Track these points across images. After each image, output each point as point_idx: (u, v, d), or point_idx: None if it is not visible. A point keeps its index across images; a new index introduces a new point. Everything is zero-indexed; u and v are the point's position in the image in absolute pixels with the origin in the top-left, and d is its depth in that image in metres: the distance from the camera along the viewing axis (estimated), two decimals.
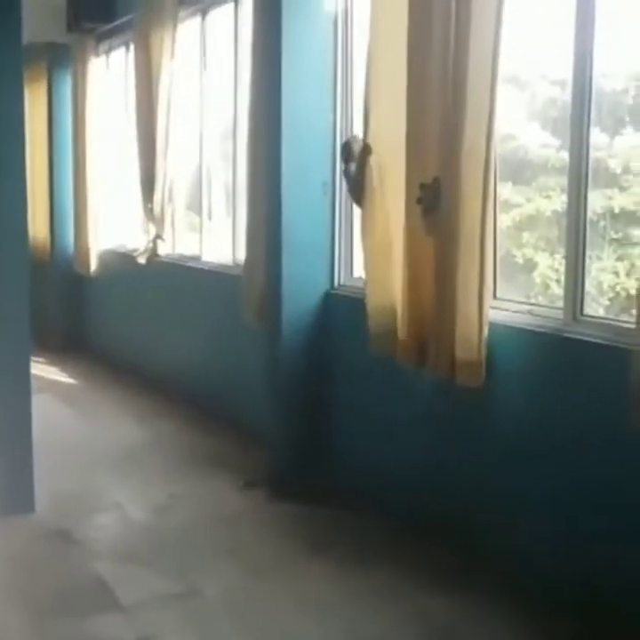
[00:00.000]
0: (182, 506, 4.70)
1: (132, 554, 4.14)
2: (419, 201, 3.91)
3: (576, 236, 3.54)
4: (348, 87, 4.91)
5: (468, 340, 3.67)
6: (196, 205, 6.89)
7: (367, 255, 4.33)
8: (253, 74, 5.20)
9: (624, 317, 3.68)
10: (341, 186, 4.92)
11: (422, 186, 3.89)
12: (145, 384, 7.06)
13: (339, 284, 4.96)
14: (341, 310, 4.85)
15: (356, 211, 4.93)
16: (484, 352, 3.66)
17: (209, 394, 6.24)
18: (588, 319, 3.51)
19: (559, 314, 3.61)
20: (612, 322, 3.53)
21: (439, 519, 4.10)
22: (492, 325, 3.70)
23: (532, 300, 4.29)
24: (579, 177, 3.51)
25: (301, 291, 4.89)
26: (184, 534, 4.34)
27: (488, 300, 3.68)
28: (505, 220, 4.51)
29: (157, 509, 4.65)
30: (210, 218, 6.72)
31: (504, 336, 3.70)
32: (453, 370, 3.73)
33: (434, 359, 3.82)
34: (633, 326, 3.03)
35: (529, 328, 3.67)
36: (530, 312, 3.75)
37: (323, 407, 4.92)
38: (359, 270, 4.89)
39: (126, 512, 4.63)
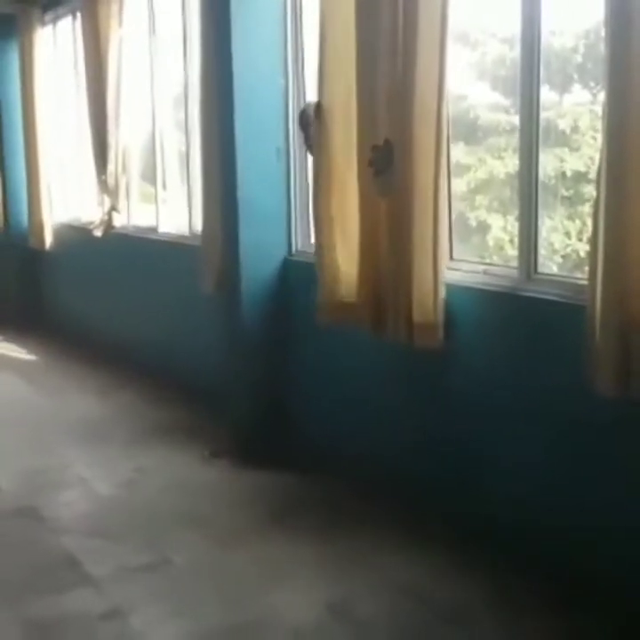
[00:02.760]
0: (148, 478, 4.70)
1: (100, 528, 4.14)
2: (370, 163, 3.90)
3: (529, 195, 3.54)
4: (299, 51, 4.85)
5: (425, 301, 3.68)
6: (150, 175, 6.80)
7: (320, 220, 4.29)
8: (203, 39, 5.11)
9: (577, 274, 3.71)
10: (296, 152, 4.90)
11: (374, 148, 3.87)
12: (105, 358, 7.01)
13: (296, 251, 4.95)
14: (299, 276, 4.84)
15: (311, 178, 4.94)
16: (441, 313, 3.68)
17: (169, 365, 6.22)
18: (542, 277, 3.54)
19: (514, 273, 3.63)
20: (565, 279, 3.56)
21: (403, 482, 4.14)
22: (449, 286, 3.71)
23: (487, 261, 4.32)
24: (530, 137, 3.51)
25: (259, 258, 4.87)
26: (151, 506, 4.34)
27: (444, 262, 3.69)
28: (459, 184, 4.51)
29: (123, 483, 4.65)
30: (164, 187, 6.64)
31: (460, 296, 3.72)
32: (411, 332, 3.74)
33: (391, 322, 3.83)
34: (585, 282, 3.06)
35: (485, 288, 3.69)
36: (485, 272, 3.77)
37: (284, 374, 4.93)
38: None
39: (92, 487, 4.61)
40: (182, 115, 6.05)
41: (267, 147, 4.86)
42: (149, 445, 5.20)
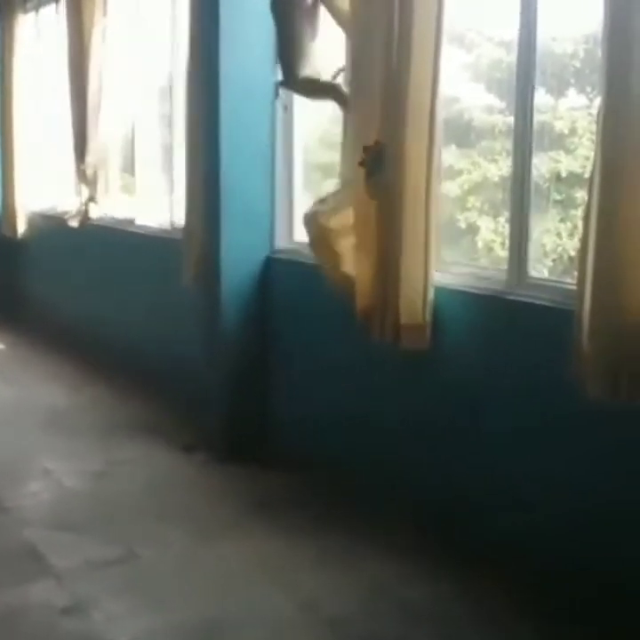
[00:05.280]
0: (119, 472, 4.61)
1: (66, 521, 4.04)
2: (361, 163, 3.87)
3: (520, 198, 3.53)
4: None
5: (414, 303, 3.65)
6: (130, 166, 6.71)
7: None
8: (191, 31, 5.05)
9: (567, 279, 3.71)
10: (282, 150, 4.86)
11: (365, 148, 3.85)
12: (79, 350, 6.88)
13: (279, 248, 4.90)
14: (281, 274, 4.79)
15: (296, 174, 4.90)
16: (429, 315, 3.66)
17: (146, 359, 6.11)
18: (532, 281, 3.53)
19: (504, 276, 3.62)
20: (555, 284, 3.55)
21: (383, 479, 4.10)
22: (438, 289, 3.69)
23: (477, 264, 4.31)
24: (523, 140, 3.51)
25: (241, 255, 4.81)
26: (121, 500, 4.25)
27: (433, 264, 3.67)
28: (452, 187, 4.51)
29: (93, 476, 4.55)
30: (145, 180, 6.55)
31: (449, 299, 3.69)
32: (398, 334, 3.71)
33: (379, 323, 3.80)
34: (575, 288, 3.05)
35: (474, 291, 3.67)
36: (475, 275, 3.75)
37: (263, 371, 4.87)
38: (299, 234, 4.85)
39: (60, 479, 4.51)
40: (167, 106, 5.98)
41: (253, 143, 4.81)
42: (122, 439, 5.10)
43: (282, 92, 4.51)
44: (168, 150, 5.99)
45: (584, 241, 2.96)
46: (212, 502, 4.25)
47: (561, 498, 3.31)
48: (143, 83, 6.43)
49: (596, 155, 2.92)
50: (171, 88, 5.87)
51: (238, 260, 4.82)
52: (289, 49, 4.20)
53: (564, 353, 3.01)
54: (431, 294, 3.66)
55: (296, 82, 4.24)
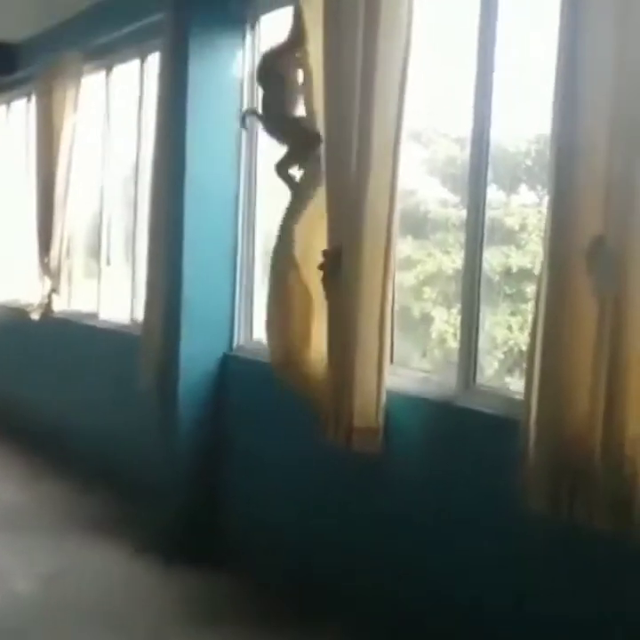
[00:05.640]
0: (69, 575, 4.48)
1: (12, 628, 3.90)
2: (320, 267, 3.92)
3: (471, 290, 3.56)
4: (253, 151, 4.92)
5: (366, 407, 3.65)
6: (95, 254, 6.72)
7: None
8: (158, 132, 5.14)
9: (516, 375, 3.71)
10: (244, 249, 4.92)
11: (324, 252, 3.91)
12: (34, 444, 6.74)
13: (237, 346, 4.91)
14: (239, 373, 4.80)
15: (256, 274, 4.95)
16: (381, 419, 3.66)
17: (103, 456, 6.02)
18: (480, 388, 3.55)
19: (452, 381, 3.63)
20: (502, 391, 3.58)
21: (335, 581, 4.04)
22: (390, 392, 3.70)
23: (427, 366, 4.34)
24: (475, 234, 3.55)
25: (199, 352, 4.82)
26: (70, 606, 4.13)
27: (387, 367, 3.68)
28: (407, 277, 4.57)
29: (42, 579, 4.41)
30: (108, 265, 6.55)
31: (400, 403, 3.70)
32: (351, 437, 3.69)
33: (332, 425, 3.79)
34: (521, 397, 3.06)
35: (423, 396, 3.68)
36: (424, 379, 3.77)
37: (218, 471, 4.83)
38: (258, 332, 4.87)
39: (8, 582, 4.37)
40: (131, 196, 6.04)
41: (214, 241, 4.88)
42: (74, 538, 4.97)
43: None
44: (131, 242, 6.03)
45: (530, 351, 2.96)
46: (162, 608, 4.14)
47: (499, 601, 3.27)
48: (111, 173, 6.50)
49: (543, 252, 2.95)
50: (136, 180, 5.94)
51: (196, 356, 4.82)
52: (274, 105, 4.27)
53: (510, 462, 2.99)
54: (384, 398, 3.66)
55: (268, 116, 4.29)
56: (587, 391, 2.78)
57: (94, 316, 6.47)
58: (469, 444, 3.45)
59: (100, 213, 6.55)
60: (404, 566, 3.74)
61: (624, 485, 2.65)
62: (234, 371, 4.83)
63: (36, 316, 6.80)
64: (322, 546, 4.18)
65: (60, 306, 6.75)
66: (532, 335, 2.96)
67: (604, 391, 2.71)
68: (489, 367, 4.35)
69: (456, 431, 3.52)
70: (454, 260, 4.46)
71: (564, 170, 2.85)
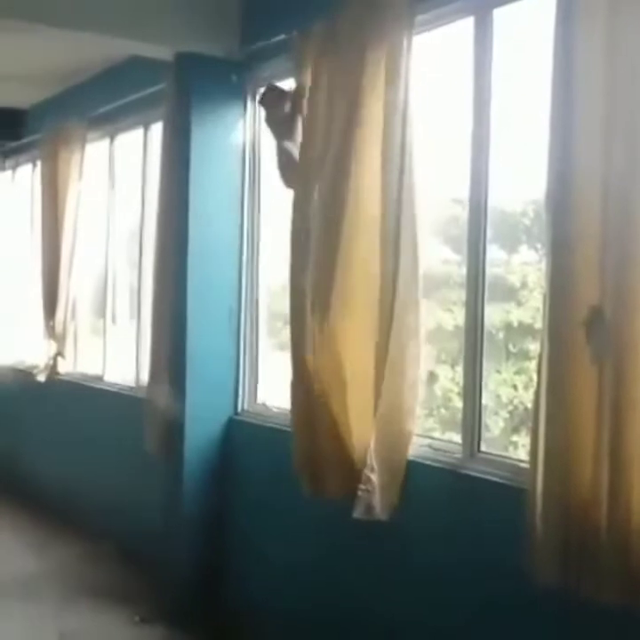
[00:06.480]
0: None
1: None
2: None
3: (474, 351, 3.58)
4: (255, 215, 4.99)
5: None
6: (102, 310, 6.76)
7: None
8: (161, 197, 5.21)
9: (522, 431, 3.69)
10: (247, 311, 4.96)
11: None
12: (39, 510, 6.69)
13: (242, 410, 4.93)
14: (244, 436, 4.82)
15: (261, 337, 4.98)
16: None
17: (109, 522, 5.97)
18: (485, 456, 3.56)
19: (458, 449, 3.64)
20: (506, 460, 3.57)
21: None
22: None
23: (434, 413, 4.35)
24: (476, 291, 3.59)
25: (204, 416, 4.85)
26: None
27: None
28: None
29: None
30: (114, 325, 6.60)
31: (408, 470, 3.69)
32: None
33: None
34: (526, 466, 3.06)
35: (429, 463, 3.69)
36: (430, 446, 3.77)
37: (224, 538, 4.82)
38: (262, 396, 4.90)
39: None
40: (135, 274, 6.10)
41: (218, 305, 4.92)
42: (79, 607, 4.94)
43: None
44: (136, 310, 6.07)
45: (534, 421, 2.96)
46: None
47: None
48: (115, 239, 6.57)
49: (543, 322, 2.98)
50: (140, 247, 6.00)
51: (202, 420, 4.85)
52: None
53: (516, 531, 2.98)
54: None
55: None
56: (591, 461, 2.79)
57: (99, 378, 6.49)
58: (475, 512, 3.44)
59: (105, 273, 6.62)
60: (407, 634, 3.71)
61: (631, 560, 2.65)
62: (239, 434, 4.85)
63: (41, 378, 6.83)
64: (326, 613, 4.15)
65: (65, 368, 6.78)
66: (535, 403, 2.97)
67: (607, 461, 2.73)
68: (495, 426, 4.35)
69: (462, 499, 3.52)
70: (456, 319, 4.50)
71: (560, 246, 2.89)
